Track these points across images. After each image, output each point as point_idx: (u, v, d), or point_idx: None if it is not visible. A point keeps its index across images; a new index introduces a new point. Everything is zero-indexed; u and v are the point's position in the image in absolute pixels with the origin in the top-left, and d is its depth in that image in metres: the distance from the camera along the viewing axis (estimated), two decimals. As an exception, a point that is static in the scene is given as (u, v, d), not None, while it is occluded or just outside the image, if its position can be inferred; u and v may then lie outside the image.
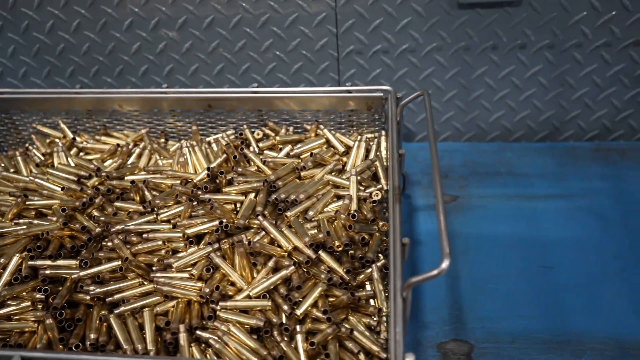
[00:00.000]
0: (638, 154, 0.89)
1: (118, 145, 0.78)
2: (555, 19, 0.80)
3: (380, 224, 0.64)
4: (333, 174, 0.70)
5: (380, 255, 0.63)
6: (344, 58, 0.86)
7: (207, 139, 0.79)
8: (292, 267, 0.58)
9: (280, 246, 0.61)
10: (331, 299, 0.58)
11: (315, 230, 0.63)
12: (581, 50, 0.83)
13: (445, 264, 0.46)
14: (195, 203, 0.66)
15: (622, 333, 0.65)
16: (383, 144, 0.75)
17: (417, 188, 0.86)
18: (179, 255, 0.61)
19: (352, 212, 0.64)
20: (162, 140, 0.82)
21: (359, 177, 0.68)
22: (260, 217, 0.63)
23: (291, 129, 0.79)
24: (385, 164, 0.71)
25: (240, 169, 0.70)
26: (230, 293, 0.59)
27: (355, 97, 0.76)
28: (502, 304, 0.70)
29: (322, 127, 0.77)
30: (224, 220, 0.63)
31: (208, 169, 0.69)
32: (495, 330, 0.67)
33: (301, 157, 0.74)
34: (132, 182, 0.69)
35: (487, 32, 0.82)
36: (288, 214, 0.64)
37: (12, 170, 0.77)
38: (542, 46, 0.82)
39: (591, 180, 0.85)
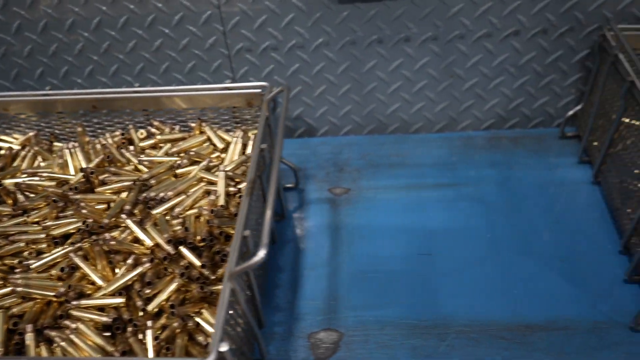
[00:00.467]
0: (530, 140, 0.92)
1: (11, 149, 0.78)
2: (435, 11, 0.81)
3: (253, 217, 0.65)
4: (210, 170, 0.71)
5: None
6: (235, 56, 0.87)
7: (95, 141, 0.80)
8: (148, 264, 0.59)
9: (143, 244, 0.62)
10: (188, 295, 0.60)
11: (181, 227, 0.64)
12: (464, 41, 0.84)
13: (261, 253, 0.47)
14: (64, 204, 0.67)
15: (488, 315, 0.67)
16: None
17: (312, 182, 0.88)
18: (42, 256, 0.62)
19: (215, 207, 0.65)
20: (51, 143, 0.82)
21: (230, 173, 0.69)
22: (123, 215, 0.64)
23: (177, 127, 0.80)
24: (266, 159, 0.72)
25: (114, 169, 0.71)
26: (89, 292, 0.60)
27: (236, 95, 0.76)
28: (376, 293, 0.71)
29: (204, 124, 0.78)
30: (87, 220, 0.63)
31: (82, 169, 0.70)
32: (367, 318, 0.68)
33: (180, 155, 0.75)
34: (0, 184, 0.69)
35: (370, 26, 0.83)
36: (154, 211, 0.65)
37: None
38: (426, 39, 0.84)
39: (481, 168, 0.87)
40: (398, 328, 0.67)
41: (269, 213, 0.51)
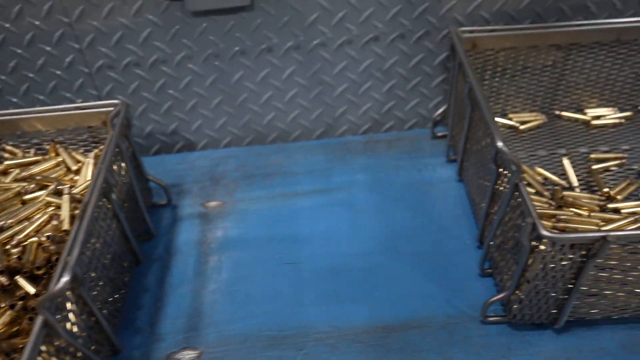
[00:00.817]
0: (404, 142, 0.94)
1: None
2: (292, 21, 0.82)
3: (92, 240, 0.64)
4: (62, 194, 0.69)
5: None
6: (97, 73, 0.85)
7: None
8: (-25, 297, 0.57)
9: (-23, 276, 0.60)
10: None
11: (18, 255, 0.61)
12: (326, 49, 0.85)
13: (63, 280, 0.46)
14: None
15: (348, 320, 0.68)
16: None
17: (187, 197, 0.86)
18: None
19: (59, 232, 0.63)
20: None
21: (78, 196, 0.67)
22: (-45, 249, 0.61)
23: (32, 151, 0.77)
24: (116, 179, 0.70)
25: (-48, 199, 0.68)
26: None
27: (90, 114, 0.75)
28: (240, 306, 0.71)
29: (59, 146, 0.75)
30: None
31: None
32: (229, 333, 0.68)
33: (29, 179, 0.72)
34: None
35: (230, 37, 0.83)
36: (-9, 241, 0.63)
37: None
38: (288, 48, 0.85)
39: (355, 173, 0.88)
40: (258, 340, 0.67)
41: (81, 235, 0.50)
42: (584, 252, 0.54)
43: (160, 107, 0.89)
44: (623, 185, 0.78)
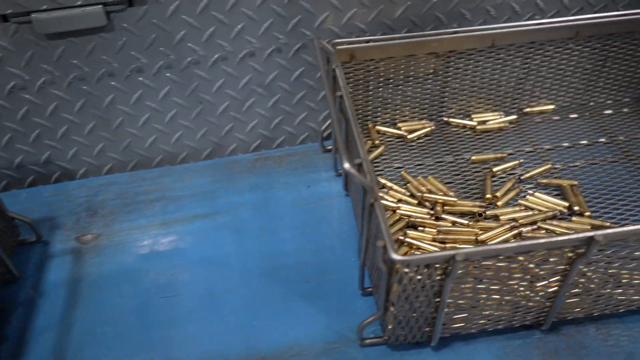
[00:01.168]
0: (295, 158, 0.91)
1: None
2: (158, 40, 0.77)
3: None
4: None
5: None
6: None
7: None
8: None
9: None
10: None
11: None
12: (201, 66, 0.82)
13: None
14: None
15: (223, 352, 0.64)
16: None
17: (60, 231, 0.80)
18: None
19: None
20: None
21: None
22: None
23: None
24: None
25: None
26: None
27: None
28: (109, 347, 0.65)
29: None
30: None
31: None
32: (93, 380, 0.63)
33: None
34: None
35: (93, 60, 0.78)
36: None
37: None
38: (160, 67, 0.80)
39: (242, 193, 0.85)
40: (125, 384, 0.62)
41: None
42: (440, 272, 0.52)
43: (27, 136, 0.83)
44: (504, 190, 0.78)
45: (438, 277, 0.53)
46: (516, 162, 0.83)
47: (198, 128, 0.88)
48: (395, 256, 0.49)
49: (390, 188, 0.79)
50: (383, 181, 0.80)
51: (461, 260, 0.49)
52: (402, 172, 0.82)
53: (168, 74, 0.81)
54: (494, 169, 0.83)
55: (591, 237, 0.51)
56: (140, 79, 0.81)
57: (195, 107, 0.85)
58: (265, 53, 0.82)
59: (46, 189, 0.88)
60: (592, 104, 0.94)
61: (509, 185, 0.79)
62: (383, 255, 0.51)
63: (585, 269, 0.57)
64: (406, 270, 0.51)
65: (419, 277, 0.52)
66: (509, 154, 0.85)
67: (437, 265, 0.51)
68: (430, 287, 0.54)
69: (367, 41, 0.80)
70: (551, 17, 0.88)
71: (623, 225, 0.73)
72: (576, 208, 0.75)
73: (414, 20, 0.83)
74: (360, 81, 0.85)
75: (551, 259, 0.54)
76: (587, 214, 0.74)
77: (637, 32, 0.85)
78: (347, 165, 0.51)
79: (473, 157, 0.85)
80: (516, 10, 0.86)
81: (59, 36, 0.73)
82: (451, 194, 0.77)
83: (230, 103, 0.86)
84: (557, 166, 0.83)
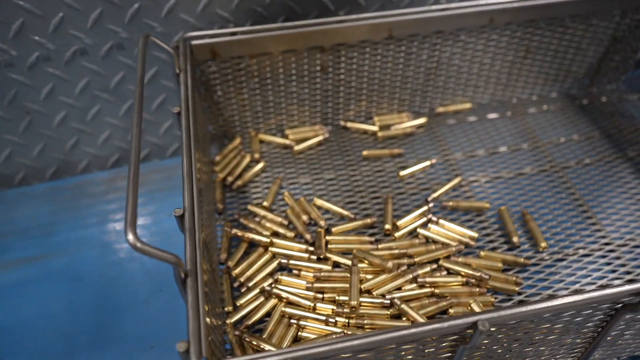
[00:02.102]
0: (159, 176, 0.74)
1: None
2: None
3: None
4: None
5: None
6: None
7: None
8: None
9: None
10: None
11: None
12: (16, 69, 0.64)
13: None
14: None
15: None
16: None
17: None
18: None
19: None
20: None
21: None
22: None
23: None
24: None
25: None
26: None
27: None
28: None
29: None
30: None
31: None
32: None
33: None
34: None
35: None
36: None
37: None
38: (-41, 72, 0.62)
39: (87, 227, 0.68)
40: None
41: None
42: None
43: None
44: (408, 221, 0.64)
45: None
46: (426, 164, 0.70)
47: (31, 143, 0.70)
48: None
49: (264, 217, 0.64)
50: (254, 209, 0.65)
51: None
52: (285, 193, 0.67)
53: (-27, 80, 0.63)
54: (400, 173, 0.69)
55: (474, 323, 0.38)
56: None
57: (21, 119, 0.67)
58: (102, 50, 0.64)
59: None
60: (514, 100, 0.81)
61: (415, 215, 0.64)
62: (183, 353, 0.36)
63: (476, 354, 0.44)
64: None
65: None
66: (420, 163, 0.71)
67: None
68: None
69: (232, 34, 0.64)
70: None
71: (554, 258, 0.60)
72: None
73: (291, 5, 0.66)
74: (230, 82, 0.69)
75: (431, 346, 0.41)
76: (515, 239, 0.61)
77: (562, 18, 0.71)
78: (130, 238, 0.35)
79: (364, 152, 0.71)
80: (418, -9, 0.70)
81: None
82: (348, 214, 0.63)
83: (67, 113, 0.68)
84: (472, 178, 0.70)
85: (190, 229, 0.43)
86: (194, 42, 0.62)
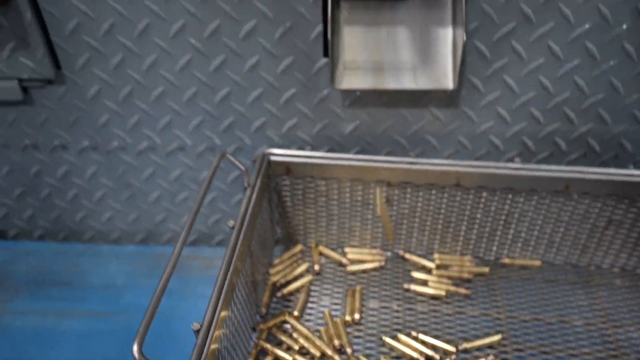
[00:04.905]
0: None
1: None
2: (82, 120, 0.72)
3: None
4: None
5: None
6: None
7: None
8: None
9: None
10: None
11: None
12: (127, 152, 0.75)
13: None
14: None
15: None
16: None
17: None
18: None
19: None
20: None
21: None
22: None
23: None
24: None
25: None
26: None
27: None
28: None
29: None
30: None
31: None
32: None
33: None
34: None
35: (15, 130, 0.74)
36: None
37: None
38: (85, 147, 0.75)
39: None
40: None
41: None
42: None
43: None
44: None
45: None
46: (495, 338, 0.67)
47: (129, 211, 0.82)
48: None
49: (295, 329, 0.67)
50: (289, 320, 0.68)
51: None
52: (325, 312, 0.70)
53: (94, 156, 0.76)
54: (463, 346, 0.67)
55: None
56: (65, 156, 0.76)
57: (124, 190, 0.79)
58: (197, 150, 0.74)
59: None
60: (592, 268, 0.76)
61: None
62: None
63: None
64: None
65: None
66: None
67: None
68: None
69: (307, 156, 0.70)
70: (539, 161, 0.72)
71: None
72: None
73: (367, 140, 0.71)
74: (300, 196, 0.74)
75: None
76: None
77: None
78: (135, 350, 0.40)
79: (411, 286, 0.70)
80: (496, 144, 0.71)
81: (-21, 104, 0.71)
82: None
83: (161, 193, 0.79)
84: (515, 346, 0.66)
85: (200, 345, 0.47)
86: (273, 158, 0.70)
